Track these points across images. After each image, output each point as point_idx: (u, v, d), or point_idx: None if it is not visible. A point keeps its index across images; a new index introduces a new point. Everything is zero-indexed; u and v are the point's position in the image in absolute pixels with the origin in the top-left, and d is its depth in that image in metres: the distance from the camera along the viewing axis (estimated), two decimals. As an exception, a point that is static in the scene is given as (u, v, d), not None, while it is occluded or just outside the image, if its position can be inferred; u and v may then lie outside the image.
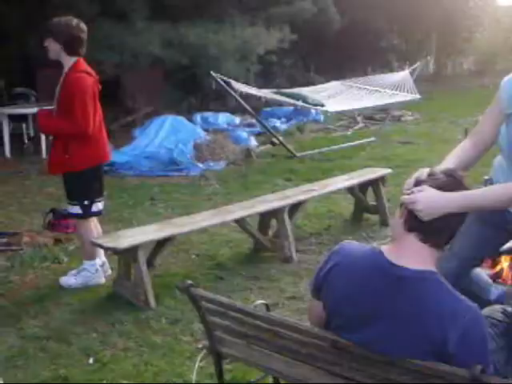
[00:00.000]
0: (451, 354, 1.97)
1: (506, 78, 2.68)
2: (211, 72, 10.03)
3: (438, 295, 2.04)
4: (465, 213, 2.20)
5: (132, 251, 4.56)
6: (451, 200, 2.15)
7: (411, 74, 12.95)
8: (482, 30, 24.93)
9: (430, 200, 2.12)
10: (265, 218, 5.65)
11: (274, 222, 5.67)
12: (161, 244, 4.95)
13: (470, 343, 1.98)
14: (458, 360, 1.96)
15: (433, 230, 2.13)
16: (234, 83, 10.21)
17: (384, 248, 2.18)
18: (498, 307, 2.93)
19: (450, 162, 2.52)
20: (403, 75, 12.91)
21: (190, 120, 11.90)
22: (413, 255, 2.10)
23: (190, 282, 2.67)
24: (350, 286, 2.17)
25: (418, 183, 2.21)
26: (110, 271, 5.13)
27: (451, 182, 2.22)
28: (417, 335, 2.01)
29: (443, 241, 2.16)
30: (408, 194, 2.18)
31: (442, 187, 2.18)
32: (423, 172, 2.25)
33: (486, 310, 2.94)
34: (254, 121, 12.22)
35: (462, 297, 2.15)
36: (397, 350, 2.03)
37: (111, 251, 4.85)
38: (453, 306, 2.03)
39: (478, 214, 2.85)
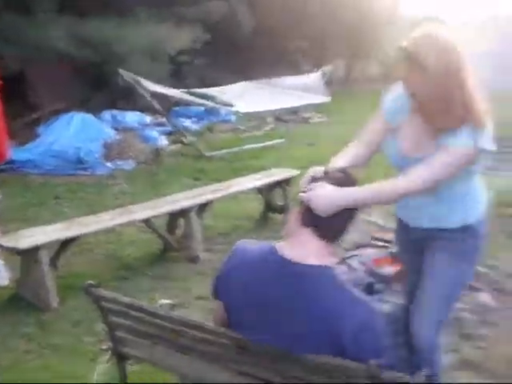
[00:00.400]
0: (345, 348, 2.02)
1: (388, 94, 2.77)
2: (119, 70, 9.88)
3: (333, 290, 2.08)
4: (347, 214, 2.25)
5: (33, 251, 4.44)
6: (345, 196, 2.22)
7: (322, 76, 13.19)
8: (390, 35, 25.50)
9: (325, 197, 2.18)
10: (173, 217, 5.62)
11: (182, 222, 5.66)
12: (65, 244, 4.83)
13: (363, 339, 2.03)
14: (352, 354, 2.01)
15: (327, 226, 2.18)
16: (143, 81, 10.10)
17: (279, 245, 2.21)
18: (398, 304, 3.02)
19: (341, 160, 2.60)
20: (313, 78, 13.13)
21: (100, 118, 11.68)
22: (308, 250, 2.14)
23: (90, 282, 2.63)
24: (247, 285, 2.19)
25: (313, 180, 2.27)
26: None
27: (345, 179, 2.30)
28: (314, 330, 2.05)
29: (337, 235, 2.21)
30: (304, 192, 2.23)
31: (336, 184, 2.25)
32: (317, 170, 2.31)
33: (387, 307, 3.04)
34: (164, 120, 12.13)
35: (359, 293, 2.21)
36: (297, 345, 2.06)
37: (11, 251, 4.70)
38: (348, 301, 2.07)
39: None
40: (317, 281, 2.09)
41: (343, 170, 2.38)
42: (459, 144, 2.41)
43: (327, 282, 2.10)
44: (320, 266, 2.11)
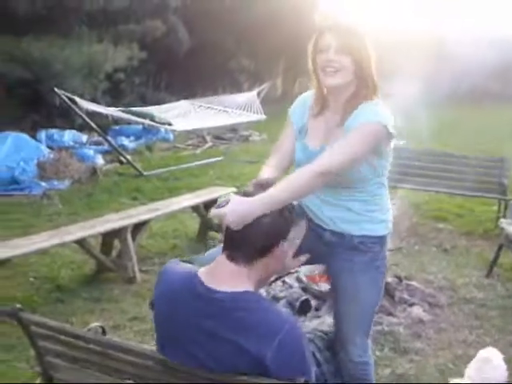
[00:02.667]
0: (269, 368, 2.00)
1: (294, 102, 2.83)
2: (55, 88, 9.74)
3: (252, 314, 2.06)
4: (265, 222, 2.16)
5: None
6: (253, 201, 2.18)
7: (258, 94, 13.32)
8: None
9: (235, 207, 2.15)
10: (107, 238, 5.55)
11: (117, 242, 5.58)
12: (-4, 267, 4.72)
13: (286, 356, 2.02)
14: (275, 373, 2.00)
15: (234, 245, 2.15)
16: (79, 100, 9.97)
17: (201, 270, 2.18)
18: (326, 320, 3.03)
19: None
20: (250, 96, 13.26)
21: (34, 137, 11.49)
22: (225, 276, 2.12)
23: (18, 305, 2.57)
24: (168, 310, 2.18)
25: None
26: None
27: (258, 189, 2.26)
28: (235, 356, 2.03)
29: (248, 255, 2.14)
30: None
31: (248, 195, 2.23)
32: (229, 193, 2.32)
33: (315, 323, 3.04)
34: (101, 139, 12.01)
35: (280, 310, 2.20)
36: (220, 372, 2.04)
37: None
38: (268, 321, 2.05)
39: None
40: (234, 306, 2.06)
41: (260, 182, 2.36)
42: (364, 120, 2.46)
43: (245, 307, 2.06)
44: (237, 292, 2.08)
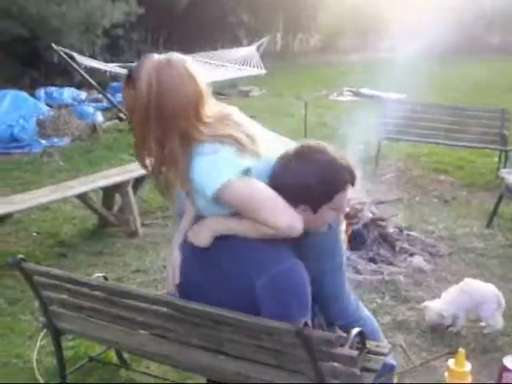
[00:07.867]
0: (258, 297, 2.14)
1: None
2: (53, 45, 9.63)
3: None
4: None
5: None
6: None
7: (257, 49, 13.16)
8: (327, 8, 25.48)
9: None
10: (108, 192, 5.55)
11: (118, 197, 5.60)
12: (-2, 222, 4.72)
13: (278, 289, 2.13)
14: (264, 304, 2.13)
15: None
16: (77, 57, 9.86)
17: None
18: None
19: None
20: (249, 50, 13.08)
21: (33, 95, 11.40)
22: None
23: (21, 256, 2.59)
24: None
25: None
26: None
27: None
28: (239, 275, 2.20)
29: None
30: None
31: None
32: None
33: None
34: (100, 96, 11.92)
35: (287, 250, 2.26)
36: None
37: None
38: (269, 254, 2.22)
39: None
40: None
41: None
42: (219, 186, 2.22)
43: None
44: None
